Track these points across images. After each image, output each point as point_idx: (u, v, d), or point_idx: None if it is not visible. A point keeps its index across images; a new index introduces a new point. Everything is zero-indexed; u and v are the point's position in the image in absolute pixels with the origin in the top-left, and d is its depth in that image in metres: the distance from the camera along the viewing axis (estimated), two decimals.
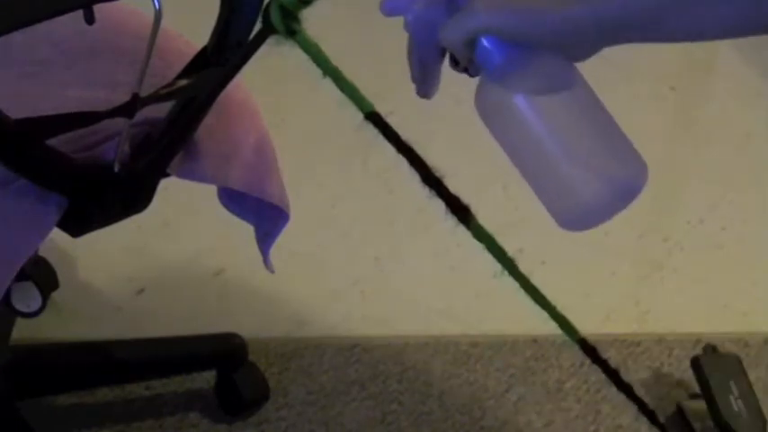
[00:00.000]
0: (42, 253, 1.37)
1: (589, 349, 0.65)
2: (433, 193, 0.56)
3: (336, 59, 0.55)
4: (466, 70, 0.60)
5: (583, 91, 0.57)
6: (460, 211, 0.56)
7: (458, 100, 2.04)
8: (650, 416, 0.77)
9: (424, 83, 0.63)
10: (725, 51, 2.19)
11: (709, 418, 1.23)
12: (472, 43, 0.55)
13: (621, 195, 0.55)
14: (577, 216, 0.57)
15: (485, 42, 0.54)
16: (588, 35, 0.54)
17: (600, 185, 0.55)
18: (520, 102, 0.55)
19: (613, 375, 0.68)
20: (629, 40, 0.54)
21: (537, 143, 0.55)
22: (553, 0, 0.53)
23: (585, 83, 0.57)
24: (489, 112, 0.57)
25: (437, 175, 0.56)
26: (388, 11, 0.61)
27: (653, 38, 0.53)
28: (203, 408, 1.24)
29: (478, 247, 0.61)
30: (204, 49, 0.76)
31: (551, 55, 0.55)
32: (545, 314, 0.64)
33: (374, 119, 0.55)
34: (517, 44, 0.54)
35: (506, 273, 0.60)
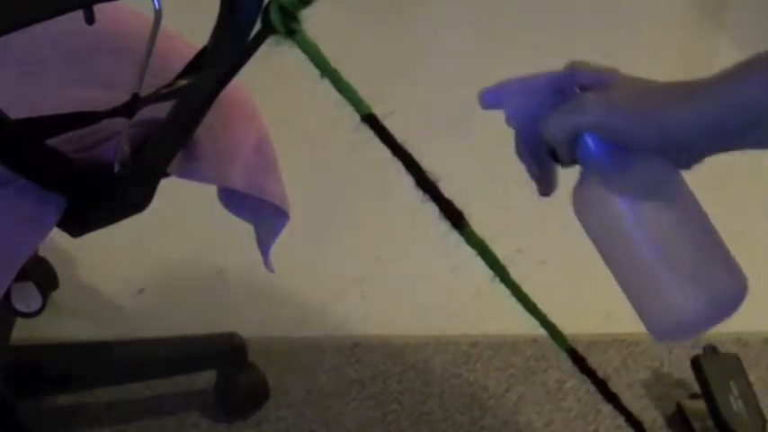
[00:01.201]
0: (42, 253, 1.37)
1: (578, 359, 0.65)
2: (427, 197, 0.55)
3: (336, 59, 0.55)
4: (557, 161, 0.58)
5: (686, 198, 0.55)
6: (454, 216, 0.56)
7: (459, 100, 2.05)
8: (637, 427, 0.77)
9: (541, 179, 0.61)
10: (725, 51, 2.19)
11: (709, 418, 1.23)
12: (575, 139, 0.53)
13: (721, 309, 0.53)
14: (673, 327, 0.55)
15: (589, 140, 0.53)
16: (697, 141, 0.52)
17: (700, 300, 0.53)
18: (620, 204, 0.53)
19: (601, 385, 0.68)
20: (740, 147, 0.52)
21: (634, 248, 0.53)
22: (662, 102, 0.51)
23: (689, 190, 0.55)
24: (585, 209, 0.55)
25: (432, 179, 0.56)
26: (487, 104, 0.60)
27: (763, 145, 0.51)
28: (203, 408, 1.24)
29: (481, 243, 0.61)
30: (204, 49, 0.76)
31: (656, 158, 0.53)
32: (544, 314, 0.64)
33: (371, 121, 0.55)
34: (622, 144, 0.52)
35: (498, 279, 0.59)
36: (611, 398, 0.69)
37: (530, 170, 0.61)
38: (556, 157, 0.58)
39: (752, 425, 1.21)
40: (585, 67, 0.56)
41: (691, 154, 0.54)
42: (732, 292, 0.54)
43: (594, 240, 0.55)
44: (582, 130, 0.53)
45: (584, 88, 0.55)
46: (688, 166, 0.55)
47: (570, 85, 0.55)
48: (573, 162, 0.56)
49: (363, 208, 1.63)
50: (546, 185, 0.61)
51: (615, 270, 0.55)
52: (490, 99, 0.59)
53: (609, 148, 0.53)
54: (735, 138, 0.51)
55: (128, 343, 1.27)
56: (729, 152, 0.52)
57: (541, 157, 0.59)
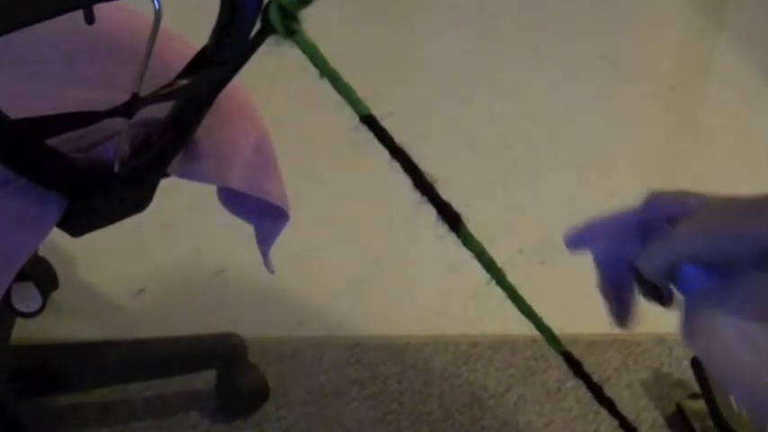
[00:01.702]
0: (42, 253, 1.37)
1: (573, 363, 0.65)
2: (425, 199, 0.55)
3: (336, 59, 0.55)
4: (657, 298, 0.57)
5: None
6: (451, 218, 0.56)
7: (459, 100, 2.05)
8: None
9: (622, 315, 0.60)
10: (725, 51, 2.19)
11: (709, 418, 1.23)
12: (673, 271, 0.53)
13: None
14: None
15: (689, 270, 0.52)
16: None
17: None
18: (731, 326, 0.51)
19: (596, 390, 0.67)
20: None
21: (755, 372, 0.51)
22: (755, 218, 0.50)
23: None
24: (697, 340, 0.53)
25: (429, 180, 0.55)
26: (573, 247, 0.60)
27: None
28: (203, 408, 1.24)
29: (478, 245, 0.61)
30: (204, 49, 0.76)
31: (760, 271, 0.51)
32: (544, 315, 0.64)
33: (369, 122, 0.55)
34: (723, 266, 0.51)
35: (494, 283, 0.59)
36: (606, 402, 0.68)
37: (611, 305, 0.61)
38: (649, 293, 0.57)
39: (752, 425, 1.21)
40: (668, 196, 0.56)
41: None
42: None
43: (712, 369, 0.54)
44: (680, 262, 0.52)
45: (670, 218, 0.54)
46: None
47: (657, 218, 0.55)
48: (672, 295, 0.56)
49: (363, 208, 1.63)
50: (625, 319, 0.61)
51: (739, 394, 0.53)
52: (575, 244, 0.59)
53: (710, 272, 0.52)
54: None
55: (128, 343, 1.27)
56: None
57: (623, 293, 0.59)
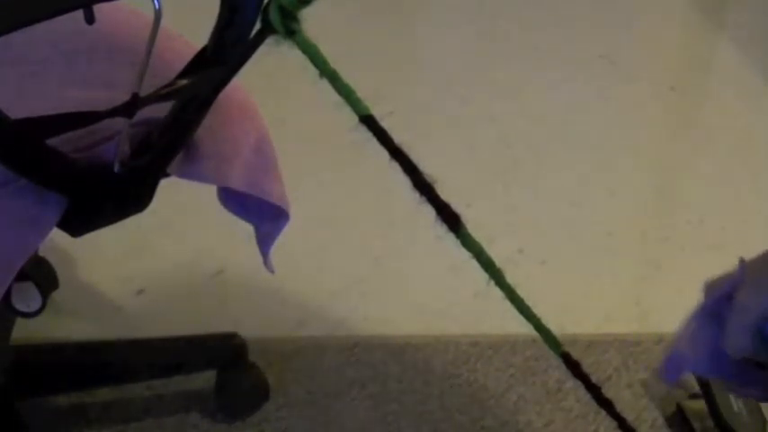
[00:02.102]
0: (42, 253, 1.37)
1: (572, 363, 0.65)
2: (424, 199, 0.55)
3: (337, 59, 0.55)
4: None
5: None
6: (450, 218, 0.56)
7: (459, 100, 2.05)
8: None
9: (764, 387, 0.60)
10: (725, 51, 2.19)
11: (709, 418, 1.23)
12: (762, 335, 0.53)
13: None
14: None
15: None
16: None
17: None
18: None
19: (595, 390, 0.67)
20: None
21: None
22: None
23: None
24: None
25: (429, 181, 0.55)
26: (674, 380, 0.60)
27: None
28: (203, 408, 1.24)
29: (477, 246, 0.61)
30: (204, 49, 0.76)
31: None
32: (543, 315, 0.64)
33: (369, 122, 0.55)
34: None
35: (493, 283, 0.59)
36: (605, 403, 0.68)
37: (755, 396, 0.60)
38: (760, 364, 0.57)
39: (752, 425, 1.21)
40: (719, 280, 0.57)
41: None
42: None
43: None
44: (759, 328, 0.53)
45: (729, 296, 0.55)
46: None
47: (722, 305, 0.55)
48: None
49: (363, 208, 1.63)
50: None
51: None
52: (674, 376, 0.60)
53: None
54: None
55: (128, 343, 1.27)
56: None
57: (748, 374, 0.59)
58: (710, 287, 0.57)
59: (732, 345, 0.54)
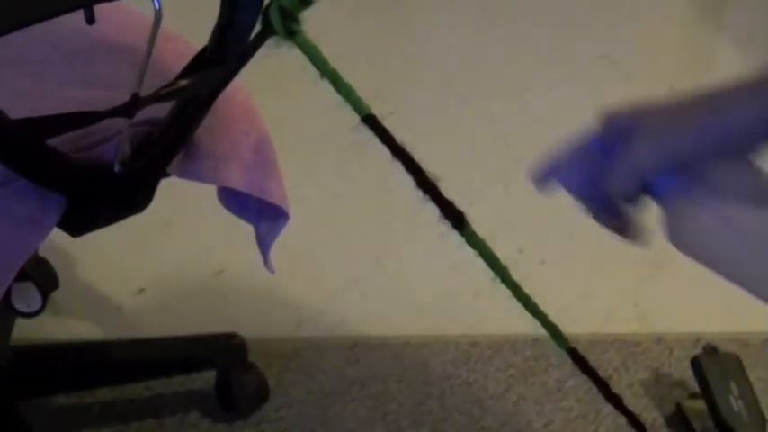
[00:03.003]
0: (42, 253, 1.37)
1: (579, 359, 0.65)
2: (428, 198, 0.55)
3: (337, 60, 0.55)
4: (620, 222, 0.58)
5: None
6: (455, 217, 0.56)
7: (459, 100, 2.05)
8: (639, 428, 0.77)
9: (625, 227, 0.60)
10: (725, 51, 2.19)
11: (709, 418, 1.23)
12: (642, 187, 0.53)
13: None
14: None
15: (658, 180, 0.53)
16: (751, 137, 0.51)
17: None
18: (711, 215, 0.52)
19: (603, 386, 0.67)
20: None
21: (739, 255, 0.53)
22: (693, 114, 0.51)
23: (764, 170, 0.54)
24: (683, 240, 0.54)
25: (432, 179, 0.56)
26: (540, 184, 0.60)
27: None
28: (203, 408, 1.24)
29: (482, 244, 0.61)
30: (204, 50, 0.76)
31: (724, 160, 0.52)
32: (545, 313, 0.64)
33: (370, 122, 0.55)
34: (687, 165, 0.52)
35: (499, 280, 0.59)
36: (613, 399, 0.68)
37: (611, 228, 0.61)
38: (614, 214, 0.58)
39: (752, 425, 1.21)
40: (619, 112, 0.56)
41: (754, 146, 0.53)
42: None
43: (705, 264, 0.54)
44: (647, 174, 0.53)
45: (627, 135, 0.54)
46: (757, 152, 0.54)
47: (614, 138, 0.55)
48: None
49: (363, 208, 1.63)
50: (632, 231, 0.60)
51: (734, 278, 0.54)
52: (542, 180, 0.59)
53: (676, 177, 0.53)
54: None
55: (128, 343, 1.27)
56: None
57: (616, 210, 0.58)
58: (614, 117, 0.57)
59: (613, 186, 0.54)
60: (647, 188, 0.54)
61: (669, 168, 0.52)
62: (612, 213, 0.58)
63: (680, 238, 0.54)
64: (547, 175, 0.58)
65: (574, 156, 0.58)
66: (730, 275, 0.53)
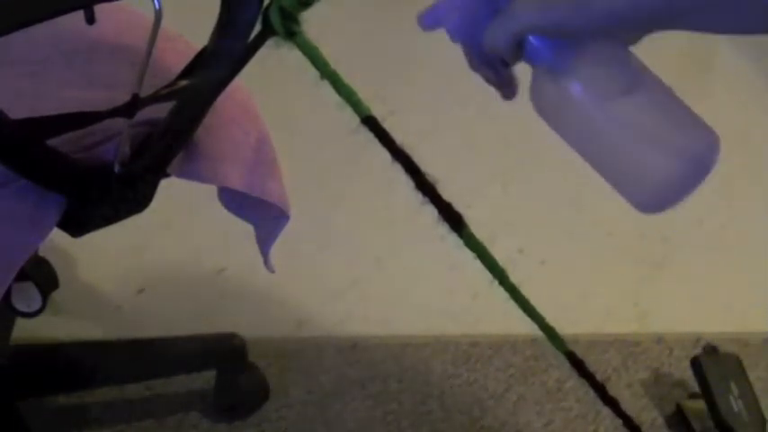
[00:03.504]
0: (42, 253, 1.37)
1: (576, 362, 0.65)
2: (427, 199, 0.55)
3: (337, 60, 0.55)
4: (497, 76, 0.59)
5: (639, 71, 0.56)
6: (453, 218, 0.56)
7: (459, 100, 2.05)
8: (636, 431, 0.77)
9: (501, 83, 0.61)
10: (725, 51, 2.19)
11: (709, 418, 1.23)
12: (519, 44, 0.54)
13: (694, 168, 0.54)
14: (653, 197, 0.56)
15: (532, 41, 0.53)
16: (632, 23, 0.52)
17: (669, 162, 0.54)
18: (576, 92, 0.54)
19: (600, 389, 0.67)
20: (674, 27, 0.52)
21: (601, 131, 0.54)
22: None
23: (642, 64, 0.56)
24: (546, 107, 0.56)
25: (431, 181, 0.56)
26: (428, 25, 0.60)
27: (693, 27, 0.52)
28: (203, 408, 1.24)
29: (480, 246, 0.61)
30: (204, 50, 0.76)
31: (601, 42, 0.54)
32: (544, 315, 0.64)
33: (370, 123, 0.55)
34: (564, 38, 0.53)
35: (497, 283, 0.59)
36: (610, 401, 0.68)
37: (487, 79, 0.61)
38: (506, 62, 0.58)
39: (752, 425, 1.21)
40: None
41: (631, 33, 0.54)
42: (702, 149, 0.55)
43: (561, 135, 0.56)
44: (523, 35, 0.53)
45: None
46: (634, 42, 0.56)
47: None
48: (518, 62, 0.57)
49: (363, 208, 1.63)
50: (507, 88, 0.62)
51: (589, 158, 0.56)
52: (429, 21, 0.59)
53: (553, 43, 0.53)
54: (668, 21, 0.51)
55: (128, 343, 1.27)
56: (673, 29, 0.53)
57: (494, 64, 0.59)
58: None
59: (490, 37, 0.55)
60: (523, 46, 0.54)
61: (546, 33, 0.53)
62: (489, 65, 0.59)
63: (543, 105, 0.56)
64: (432, 17, 0.58)
65: (461, 2, 0.58)
66: (580, 149, 0.55)
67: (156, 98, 0.73)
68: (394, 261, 1.53)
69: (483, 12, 0.56)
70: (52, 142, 0.75)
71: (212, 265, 1.47)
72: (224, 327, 1.27)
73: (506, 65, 0.59)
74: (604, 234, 1.62)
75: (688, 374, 1.31)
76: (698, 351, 1.30)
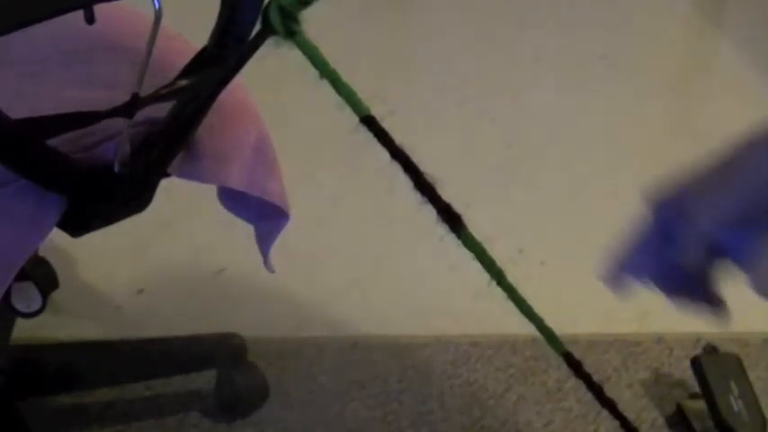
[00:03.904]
0: (42, 253, 1.37)
1: (573, 363, 0.65)
2: (425, 200, 0.55)
3: (336, 60, 0.55)
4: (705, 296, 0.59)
5: None
6: (452, 219, 0.56)
7: (459, 100, 2.05)
8: None
9: (712, 303, 0.61)
10: (725, 51, 2.20)
11: (709, 418, 1.23)
12: (713, 249, 0.54)
13: None
14: None
15: (721, 240, 0.54)
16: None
17: None
18: None
19: (597, 390, 0.67)
20: None
21: None
22: (723, 180, 0.52)
23: None
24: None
25: (430, 181, 0.56)
26: (618, 287, 0.60)
27: None
28: (203, 408, 1.24)
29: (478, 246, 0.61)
30: (204, 49, 0.76)
31: None
32: (544, 315, 0.64)
33: (369, 123, 0.55)
34: (744, 220, 0.53)
35: (495, 283, 0.59)
36: (608, 403, 0.69)
37: (699, 306, 0.61)
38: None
39: (752, 425, 1.21)
40: (662, 192, 0.57)
41: None
42: None
43: None
44: (712, 236, 0.54)
45: (678, 209, 0.55)
46: None
47: (668, 217, 0.56)
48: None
49: (363, 208, 1.63)
50: (719, 306, 0.61)
51: None
52: (616, 283, 0.60)
53: (737, 228, 0.54)
54: None
55: (128, 343, 1.27)
56: None
57: (696, 283, 0.59)
58: (655, 196, 0.58)
59: (687, 258, 0.55)
60: (720, 250, 0.55)
61: (732, 224, 0.53)
62: (696, 287, 0.58)
63: (765, 288, 0.55)
64: (619, 275, 0.59)
65: (636, 248, 0.59)
66: None
67: (156, 98, 0.73)
68: (394, 261, 1.53)
69: (664, 247, 0.56)
70: (52, 142, 0.75)
71: (212, 265, 1.47)
72: (224, 327, 1.27)
73: (707, 280, 0.59)
74: (604, 234, 1.62)
75: (688, 374, 1.31)
76: (698, 351, 1.30)
